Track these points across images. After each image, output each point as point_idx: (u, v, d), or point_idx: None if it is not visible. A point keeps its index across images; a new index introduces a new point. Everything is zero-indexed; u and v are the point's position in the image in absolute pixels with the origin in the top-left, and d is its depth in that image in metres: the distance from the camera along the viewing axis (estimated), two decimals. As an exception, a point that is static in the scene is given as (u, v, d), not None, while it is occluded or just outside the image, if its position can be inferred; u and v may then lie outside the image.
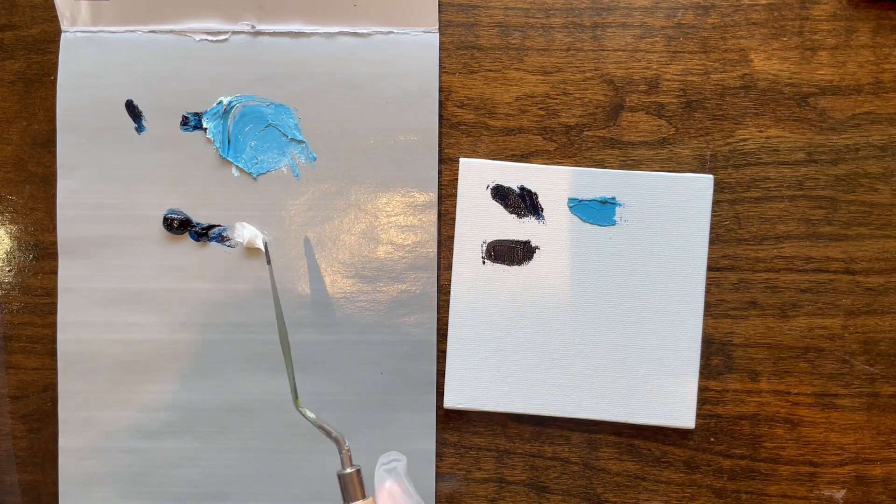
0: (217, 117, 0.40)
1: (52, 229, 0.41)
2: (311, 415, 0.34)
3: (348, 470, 0.32)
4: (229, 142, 0.40)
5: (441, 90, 0.40)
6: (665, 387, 0.39)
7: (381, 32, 0.40)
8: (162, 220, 0.40)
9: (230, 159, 0.40)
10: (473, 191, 0.40)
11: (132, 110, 0.40)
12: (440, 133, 0.41)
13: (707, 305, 0.40)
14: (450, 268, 0.40)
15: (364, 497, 0.32)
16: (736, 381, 0.40)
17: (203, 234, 0.40)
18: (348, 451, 0.33)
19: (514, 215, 0.39)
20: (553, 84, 0.40)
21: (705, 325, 0.40)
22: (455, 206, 0.40)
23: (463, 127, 0.41)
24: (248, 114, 0.40)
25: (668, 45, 0.40)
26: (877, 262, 0.40)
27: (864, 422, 0.40)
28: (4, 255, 0.41)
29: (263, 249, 0.40)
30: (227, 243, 0.40)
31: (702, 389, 0.40)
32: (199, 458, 0.40)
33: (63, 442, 0.40)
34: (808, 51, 0.40)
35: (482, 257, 0.39)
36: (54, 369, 0.41)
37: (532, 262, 0.39)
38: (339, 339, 0.40)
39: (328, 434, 0.33)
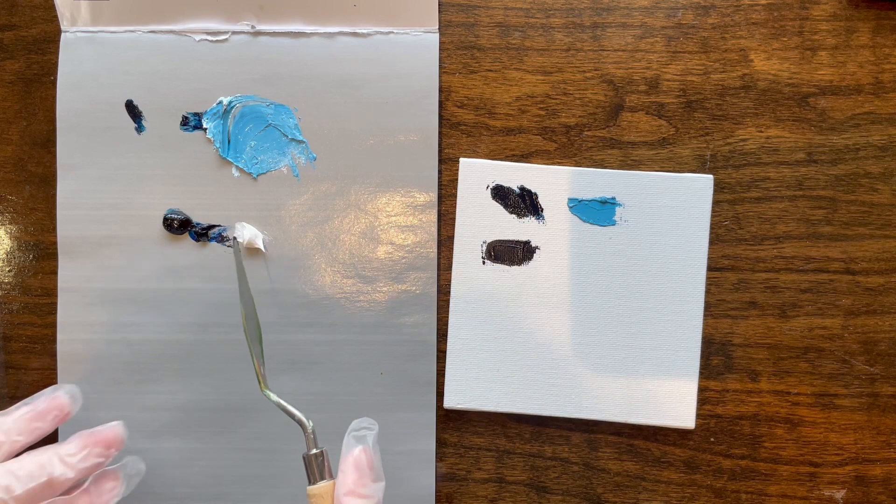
0: (217, 117, 0.40)
1: (52, 229, 0.41)
2: (275, 398, 0.34)
3: (313, 451, 0.32)
4: (229, 142, 0.40)
5: (441, 90, 0.40)
6: (665, 387, 0.39)
7: (381, 32, 0.40)
8: (162, 220, 0.40)
9: (230, 159, 0.40)
10: (473, 191, 0.39)
11: (132, 110, 0.40)
12: (440, 133, 0.40)
13: (707, 305, 0.40)
14: (450, 268, 0.40)
15: (330, 478, 0.32)
16: (736, 382, 0.40)
17: (203, 234, 0.40)
18: (312, 433, 0.33)
19: (514, 215, 0.39)
20: (553, 84, 0.40)
21: (705, 325, 0.40)
22: (455, 206, 0.40)
23: (463, 127, 0.40)
24: (248, 114, 0.40)
25: (668, 45, 0.40)
26: (877, 262, 0.40)
27: (864, 422, 0.40)
28: (4, 255, 0.41)
29: (231, 240, 0.39)
30: (227, 243, 0.40)
31: (702, 389, 0.40)
32: (199, 458, 0.40)
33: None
34: (808, 51, 0.40)
35: (482, 257, 0.39)
36: (54, 369, 0.41)
37: (532, 262, 0.39)
38: (339, 339, 0.40)
39: (292, 416, 0.33)
